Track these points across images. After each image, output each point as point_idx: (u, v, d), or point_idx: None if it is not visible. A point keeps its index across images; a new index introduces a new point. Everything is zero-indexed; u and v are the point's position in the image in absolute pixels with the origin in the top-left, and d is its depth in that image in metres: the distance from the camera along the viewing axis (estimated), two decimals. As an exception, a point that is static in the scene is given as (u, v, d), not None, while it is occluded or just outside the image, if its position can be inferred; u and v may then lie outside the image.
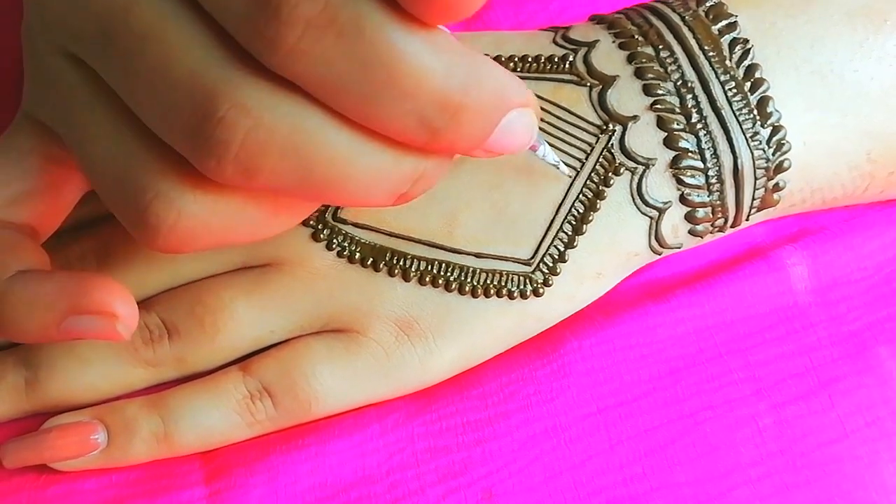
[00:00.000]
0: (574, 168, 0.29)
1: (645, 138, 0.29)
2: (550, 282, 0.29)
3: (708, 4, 0.31)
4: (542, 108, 0.30)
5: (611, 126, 0.30)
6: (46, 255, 0.25)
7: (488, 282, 0.29)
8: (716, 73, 0.30)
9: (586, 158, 0.30)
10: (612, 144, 0.29)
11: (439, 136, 0.21)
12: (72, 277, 0.23)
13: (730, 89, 0.30)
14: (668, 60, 0.30)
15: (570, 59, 0.30)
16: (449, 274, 0.29)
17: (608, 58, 0.30)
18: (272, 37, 0.19)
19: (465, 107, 0.20)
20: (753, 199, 0.30)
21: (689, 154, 0.29)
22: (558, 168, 0.28)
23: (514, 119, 0.21)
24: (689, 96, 0.30)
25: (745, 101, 0.30)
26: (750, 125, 0.29)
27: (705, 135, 0.29)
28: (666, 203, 0.30)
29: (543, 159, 0.27)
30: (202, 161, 0.21)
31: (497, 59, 0.30)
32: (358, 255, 0.29)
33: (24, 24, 0.25)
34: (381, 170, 0.21)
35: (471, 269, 0.29)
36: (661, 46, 0.30)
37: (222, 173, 0.21)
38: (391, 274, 0.29)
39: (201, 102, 0.20)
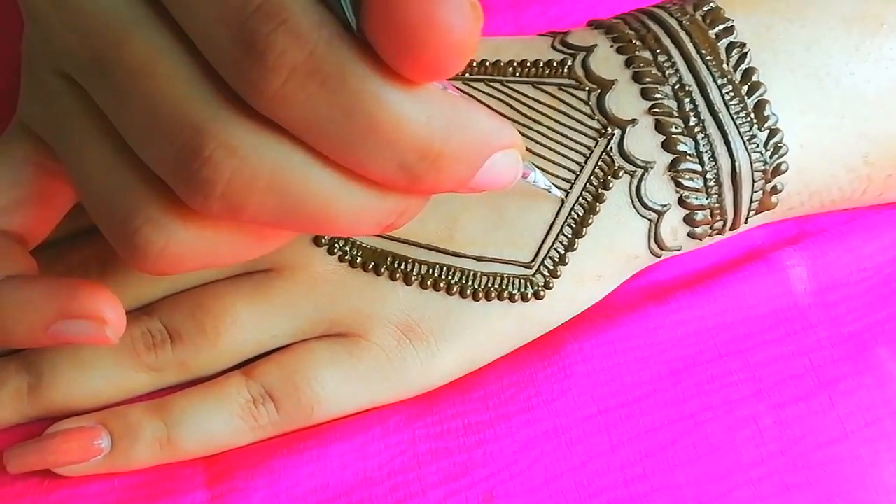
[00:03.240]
0: (563, 190, 0.29)
1: (643, 142, 0.30)
2: (551, 284, 0.29)
3: (705, 9, 0.31)
4: (542, 113, 0.30)
5: (609, 130, 0.30)
6: (35, 261, 0.26)
7: (489, 285, 0.29)
8: (713, 76, 0.30)
9: (585, 162, 0.30)
10: (610, 148, 0.30)
11: (420, 181, 0.21)
12: (61, 282, 0.24)
13: (727, 93, 0.30)
14: (666, 65, 0.30)
15: (569, 63, 0.31)
16: (450, 277, 0.29)
17: (606, 62, 0.30)
18: (257, 81, 0.19)
19: (445, 154, 0.20)
20: (751, 201, 0.30)
21: (688, 157, 0.30)
22: (549, 192, 0.28)
23: (497, 160, 0.22)
24: (687, 100, 0.30)
25: (742, 105, 0.30)
26: (747, 128, 0.30)
27: (703, 138, 0.30)
28: (665, 206, 0.30)
29: (535, 185, 0.27)
30: (189, 197, 0.21)
31: (496, 63, 0.31)
32: (359, 259, 0.29)
33: (24, 37, 0.25)
34: (365, 207, 0.22)
35: (471, 272, 0.29)
36: (658, 51, 0.30)
37: (209, 209, 0.21)
38: (392, 278, 0.29)
39: (188, 140, 0.20)
